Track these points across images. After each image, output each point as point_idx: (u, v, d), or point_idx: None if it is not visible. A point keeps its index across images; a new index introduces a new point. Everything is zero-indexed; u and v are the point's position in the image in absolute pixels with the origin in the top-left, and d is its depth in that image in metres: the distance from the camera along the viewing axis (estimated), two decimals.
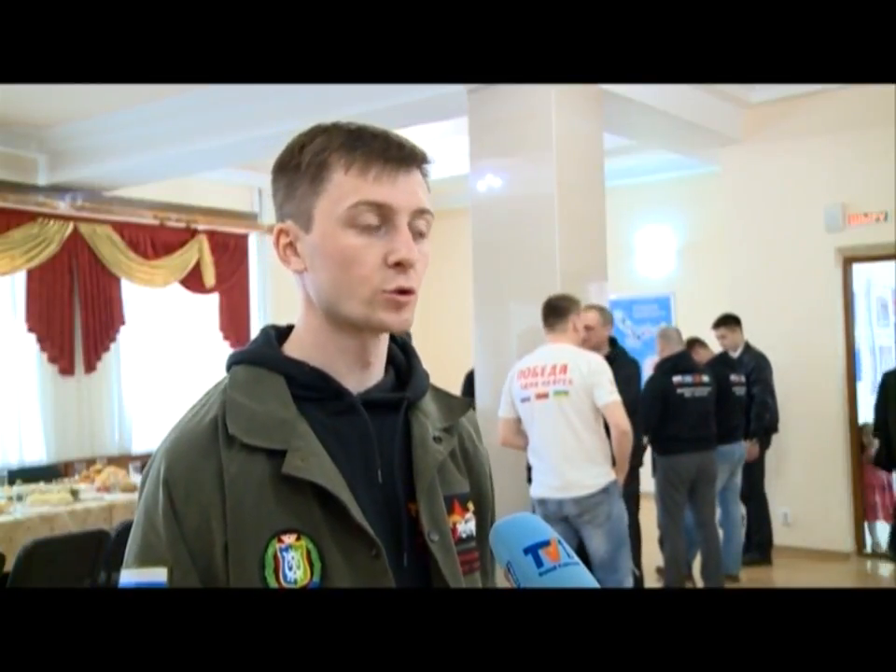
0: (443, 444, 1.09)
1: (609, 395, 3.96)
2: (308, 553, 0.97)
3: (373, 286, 1.00)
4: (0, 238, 6.81)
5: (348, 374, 1.06)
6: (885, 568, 6.38)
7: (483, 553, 1.12)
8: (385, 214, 1.01)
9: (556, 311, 4.14)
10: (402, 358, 1.14)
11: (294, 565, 0.96)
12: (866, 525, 6.55)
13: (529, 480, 4.29)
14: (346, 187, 1.00)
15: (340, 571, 0.97)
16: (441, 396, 1.16)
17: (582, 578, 0.87)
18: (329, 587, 0.97)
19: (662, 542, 5.48)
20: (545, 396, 4.01)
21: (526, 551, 0.89)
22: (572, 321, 4.14)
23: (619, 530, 4.06)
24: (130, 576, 0.97)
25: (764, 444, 6.22)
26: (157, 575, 0.95)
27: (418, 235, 1.03)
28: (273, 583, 0.95)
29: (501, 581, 0.98)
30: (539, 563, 0.87)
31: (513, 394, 4.15)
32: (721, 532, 5.69)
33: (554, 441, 4.01)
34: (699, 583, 5.58)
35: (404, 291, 1.01)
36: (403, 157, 1.02)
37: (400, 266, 1.00)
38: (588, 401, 3.98)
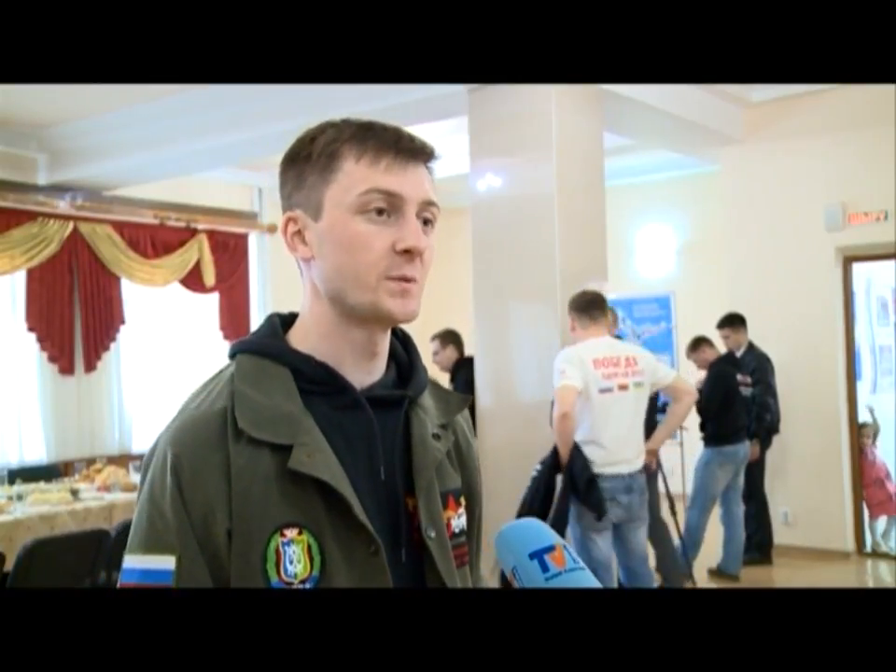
0: (441, 442, 1.11)
1: (670, 372, 4.38)
2: (309, 547, 0.98)
3: (379, 271, 1.01)
4: (0, 237, 6.81)
5: (354, 367, 1.06)
6: (885, 568, 6.38)
7: (470, 547, 1.14)
8: (394, 202, 1.02)
9: (598, 304, 4.23)
10: (404, 354, 1.15)
11: (295, 559, 0.97)
12: (866, 523, 6.54)
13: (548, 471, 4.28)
14: (357, 175, 1.02)
15: (338, 567, 0.98)
16: (439, 391, 1.17)
17: (588, 583, 0.87)
18: (327, 581, 0.97)
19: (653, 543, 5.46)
20: (626, 387, 4.12)
21: (532, 556, 0.88)
22: (609, 314, 4.36)
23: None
24: (135, 562, 0.96)
25: (765, 444, 6.22)
26: (164, 562, 0.94)
27: (425, 226, 1.05)
28: (273, 576, 0.96)
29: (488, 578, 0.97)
30: (544, 568, 0.87)
31: (589, 380, 4.05)
32: (721, 532, 5.67)
33: (627, 431, 4.13)
34: (699, 584, 5.57)
35: (409, 279, 1.02)
36: (414, 149, 1.04)
37: (408, 254, 1.02)
38: (649, 391, 4.24)
